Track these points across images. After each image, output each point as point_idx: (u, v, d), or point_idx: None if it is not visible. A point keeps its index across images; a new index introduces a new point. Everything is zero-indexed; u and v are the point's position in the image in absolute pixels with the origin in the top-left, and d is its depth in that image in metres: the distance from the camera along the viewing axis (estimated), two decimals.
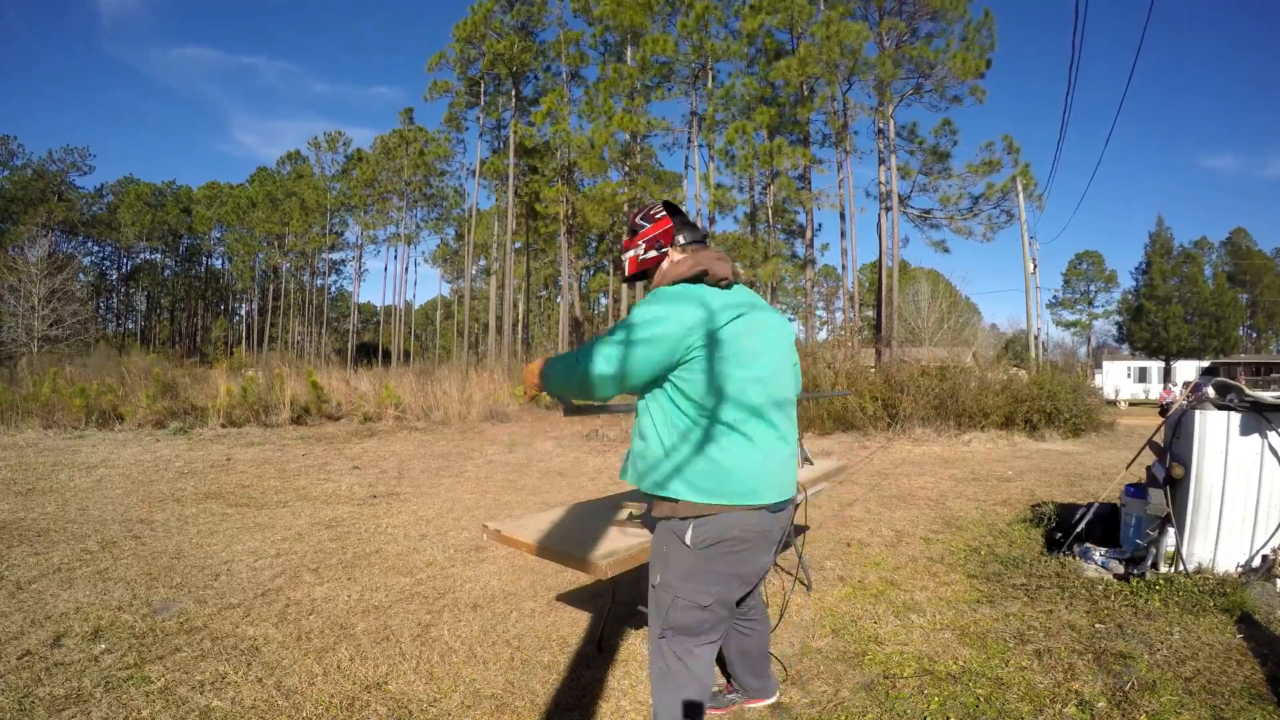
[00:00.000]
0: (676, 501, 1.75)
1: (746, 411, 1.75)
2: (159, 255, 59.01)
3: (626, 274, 2.03)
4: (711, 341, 1.71)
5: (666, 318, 1.70)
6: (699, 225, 2.02)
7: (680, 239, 1.93)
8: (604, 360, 1.70)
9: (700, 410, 1.73)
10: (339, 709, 2.31)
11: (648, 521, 2.48)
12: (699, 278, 1.81)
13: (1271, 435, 3.42)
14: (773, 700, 2.35)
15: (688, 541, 1.74)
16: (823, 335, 35.87)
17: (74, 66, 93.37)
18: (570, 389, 1.84)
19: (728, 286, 1.83)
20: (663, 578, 1.81)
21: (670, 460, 1.74)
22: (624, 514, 2.73)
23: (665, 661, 1.82)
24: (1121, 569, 3.70)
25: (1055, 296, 61.03)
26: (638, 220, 2.00)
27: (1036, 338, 19.75)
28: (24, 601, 3.23)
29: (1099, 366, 36.65)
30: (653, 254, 1.95)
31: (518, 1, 31.87)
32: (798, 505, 2.28)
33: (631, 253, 1.99)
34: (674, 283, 1.83)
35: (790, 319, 49.55)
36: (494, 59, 31.81)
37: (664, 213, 1.97)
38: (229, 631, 2.93)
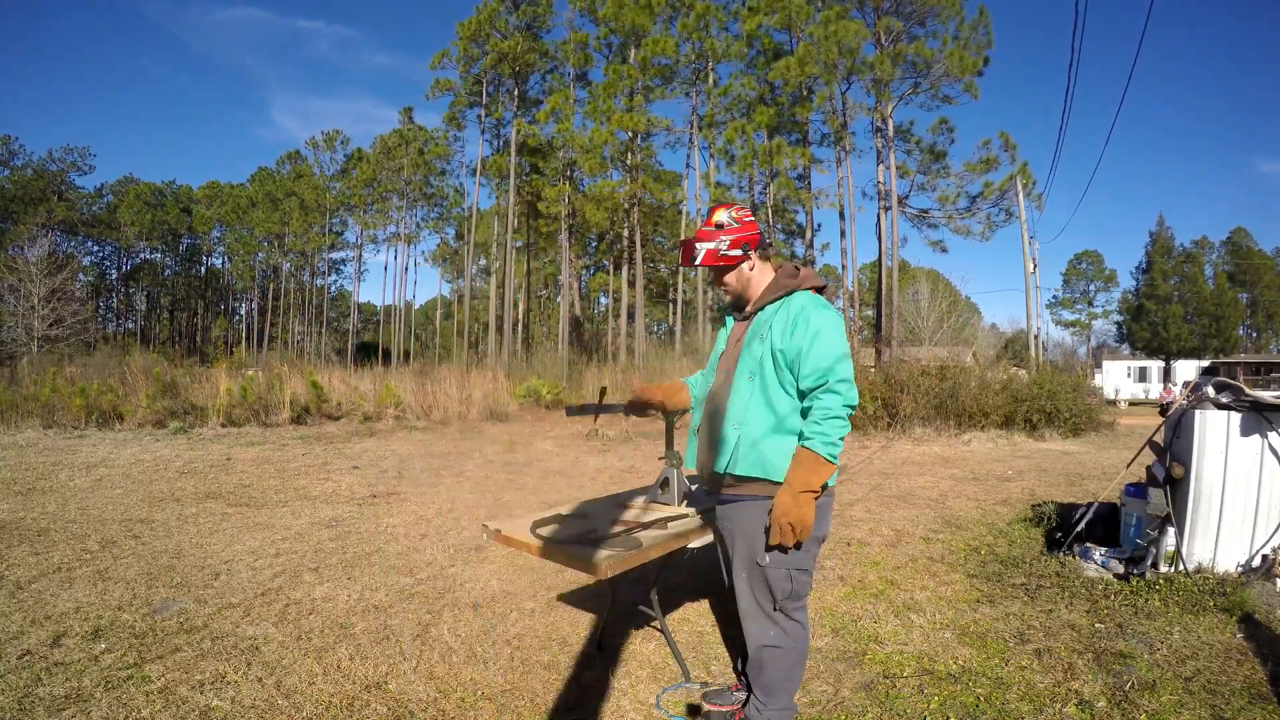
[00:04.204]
0: (773, 482, 1.90)
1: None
2: (159, 255, 58.97)
3: (697, 262, 2.06)
4: None
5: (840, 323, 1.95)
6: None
7: (761, 248, 2.06)
8: (851, 382, 1.88)
9: (796, 401, 1.92)
10: (339, 709, 2.31)
11: (698, 501, 2.58)
12: (820, 289, 2.03)
13: (1271, 435, 3.42)
14: None
15: None
16: None
17: (82, 57, 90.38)
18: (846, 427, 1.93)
19: None
20: (772, 556, 1.92)
21: (777, 444, 1.90)
22: (653, 517, 2.73)
23: (781, 627, 1.97)
24: (1121, 569, 3.70)
25: (1055, 296, 61.03)
26: (725, 218, 2.05)
27: (1036, 337, 19.74)
28: (24, 601, 3.23)
29: (1099, 366, 36.65)
30: (736, 253, 2.03)
31: (523, 1, 31.86)
32: None
33: (711, 245, 2.04)
34: (814, 287, 2.02)
35: None
36: (498, 59, 31.78)
37: (753, 218, 2.08)
38: (229, 631, 2.93)
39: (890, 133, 23.32)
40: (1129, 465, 4.53)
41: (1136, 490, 3.96)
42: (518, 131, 31.43)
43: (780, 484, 1.88)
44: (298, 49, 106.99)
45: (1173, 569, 3.53)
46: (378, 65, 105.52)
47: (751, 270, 2.05)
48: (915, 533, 4.80)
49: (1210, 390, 3.57)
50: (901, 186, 24.02)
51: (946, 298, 37.50)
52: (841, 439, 1.85)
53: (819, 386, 1.84)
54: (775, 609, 1.96)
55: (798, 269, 2.08)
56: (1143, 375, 35.42)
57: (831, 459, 1.83)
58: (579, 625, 3.07)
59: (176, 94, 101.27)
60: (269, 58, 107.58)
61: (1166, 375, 34.26)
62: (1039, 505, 5.18)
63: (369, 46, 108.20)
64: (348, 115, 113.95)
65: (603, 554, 2.23)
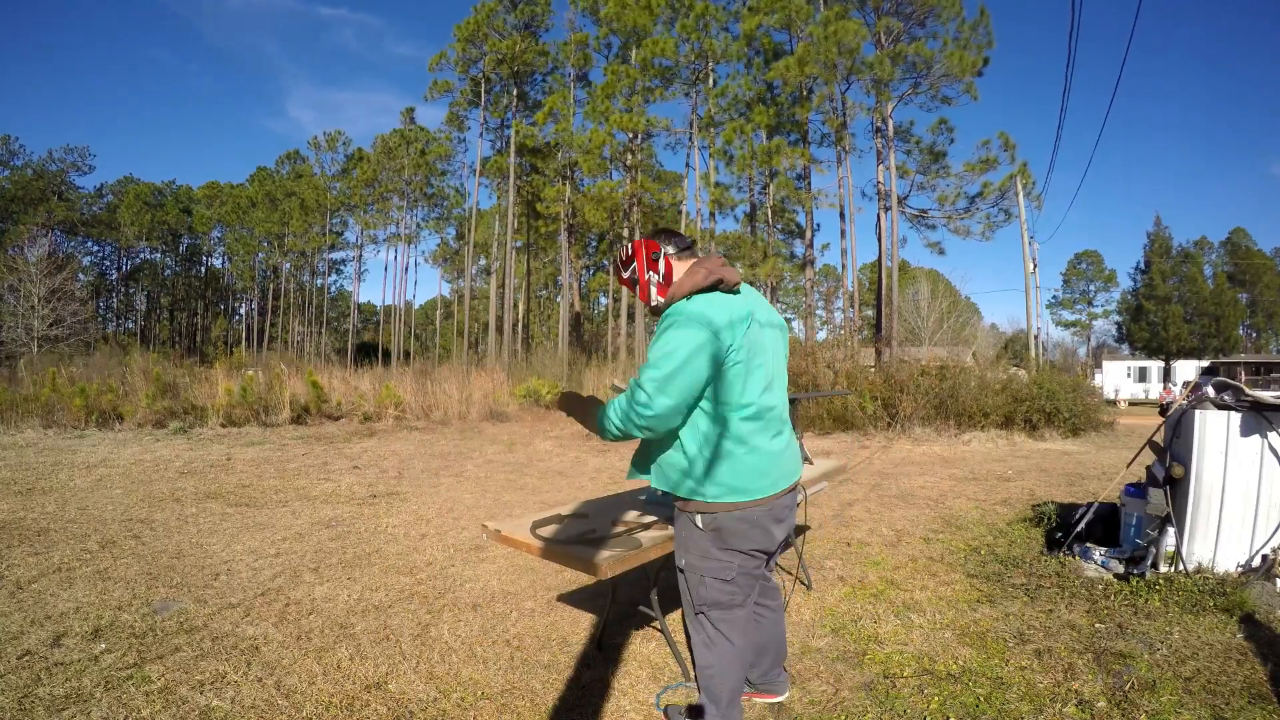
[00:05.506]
0: (691, 500, 1.93)
1: (756, 414, 1.91)
2: (159, 255, 58.95)
3: (654, 303, 2.07)
4: (731, 353, 1.85)
5: (695, 339, 1.81)
6: (682, 234, 2.13)
7: (669, 249, 2.05)
8: (665, 397, 1.81)
9: (719, 417, 1.89)
10: (339, 709, 2.31)
11: (666, 514, 2.57)
12: (714, 285, 1.93)
13: (1271, 435, 3.42)
14: (780, 698, 2.35)
15: (699, 525, 1.94)
16: (823, 335, 35.89)
17: (87, 50, 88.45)
18: (636, 432, 1.91)
19: (737, 290, 1.98)
20: (687, 561, 2.00)
21: (695, 465, 1.89)
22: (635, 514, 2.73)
23: (705, 633, 2.01)
24: (1121, 569, 3.70)
25: (1055, 296, 61.10)
26: (622, 263, 2.14)
27: (1036, 337, 19.73)
28: (24, 601, 3.23)
29: (1099, 366, 36.65)
30: (664, 268, 2.06)
31: (521, 1, 31.84)
32: (799, 502, 2.32)
33: (645, 278, 2.08)
34: (691, 292, 1.92)
35: (790, 318, 49.66)
36: (497, 60, 31.77)
37: (633, 241, 2.12)
38: (229, 631, 2.93)
39: (890, 133, 23.29)
40: (1129, 465, 4.53)
41: (1136, 490, 3.96)
42: (517, 132, 31.42)
43: (672, 494, 1.98)
44: (318, 38, 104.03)
45: (1173, 569, 3.53)
46: (401, 55, 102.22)
47: (681, 276, 2.07)
48: (915, 533, 4.80)
49: (1210, 390, 3.57)
50: (901, 186, 24.00)
51: (946, 298, 37.49)
52: (617, 428, 1.89)
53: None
54: (696, 614, 2.02)
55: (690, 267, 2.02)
56: (1143, 375, 35.40)
57: (601, 427, 1.95)
58: (579, 625, 3.07)
59: (184, 88, 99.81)
60: (287, 47, 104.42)
61: (1166, 375, 34.26)
62: (1039, 505, 5.18)
63: (392, 35, 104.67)
64: (367, 107, 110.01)
65: (603, 554, 2.23)
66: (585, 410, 2.11)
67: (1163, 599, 3.24)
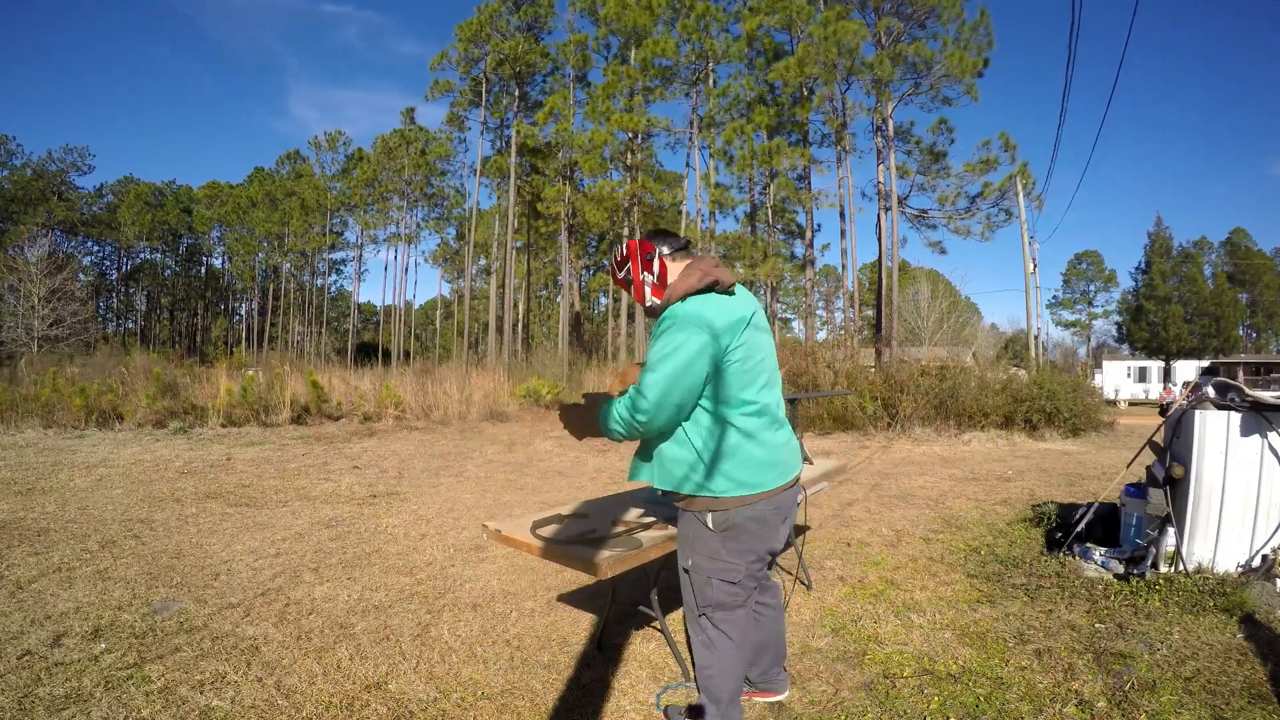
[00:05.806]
0: (697, 497, 1.93)
1: (758, 411, 1.93)
2: (159, 255, 58.98)
3: (649, 304, 2.08)
4: (729, 353, 1.87)
5: (693, 341, 1.83)
6: (677, 234, 2.13)
7: (664, 249, 2.05)
8: (666, 400, 1.82)
9: (722, 415, 1.90)
10: (339, 709, 2.31)
11: (666, 514, 2.56)
12: (710, 287, 1.95)
13: (1271, 435, 3.42)
14: (780, 697, 2.36)
15: (710, 525, 1.93)
16: (823, 335, 35.90)
17: (88, 50, 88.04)
18: (640, 436, 1.94)
19: (731, 291, 1.99)
20: (694, 561, 1.98)
21: (700, 462, 1.90)
22: (635, 514, 2.73)
23: (707, 634, 2.02)
24: (1121, 569, 3.70)
25: (1055, 296, 61.11)
26: (618, 264, 2.14)
27: (1036, 337, 19.73)
28: (24, 601, 3.23)
29: (1099, 366, 36.64)
30: (658, 268, 2.06)
31: (524, 3, 31.85)
32: (800, 501, 2.33)
33: (639, 279, 2.08)
34: (685, 294, 1.94)
35: (790, 318, 49.60)
36: (499, 61, 31.78)
37: (628, 241, 2.13)
38: (229, 631, 2.93)
39: (890, 133, 23.29)
40: (1129, 465, 4.53)
41: (1136, 490, 3.96)
42: (518, 132, 31.42)
43: (675, 492, 1.97)
44: (320, 37, 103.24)
45: (1173, 569, 3.53)
46: (403, 55, 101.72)
47: (675, 278, 2.08)
48: (915, 533, 4.80)
49: (1210, 390, 3.57)
50: (901, 187, 24.01)
51: (946, 298, 37.51)
52: (622, 434, 1.93)
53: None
54: (699, 615, 2.02)
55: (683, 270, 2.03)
56: (1143, 375, 35.39)
57: (604, 428, 1.97)
58: (579, 625, 3.07)
59: (185, 88, 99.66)
60: (288, 46, 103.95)
61: (1166, 375, 34.25)
62: (1039, 505, 5.17)
63: (393, 34, 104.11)
64: (368, 107, 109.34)
65: (603, 554, 2.23)
66: (586, 419, 2.09)
67: (1163, 599, 3.24)
